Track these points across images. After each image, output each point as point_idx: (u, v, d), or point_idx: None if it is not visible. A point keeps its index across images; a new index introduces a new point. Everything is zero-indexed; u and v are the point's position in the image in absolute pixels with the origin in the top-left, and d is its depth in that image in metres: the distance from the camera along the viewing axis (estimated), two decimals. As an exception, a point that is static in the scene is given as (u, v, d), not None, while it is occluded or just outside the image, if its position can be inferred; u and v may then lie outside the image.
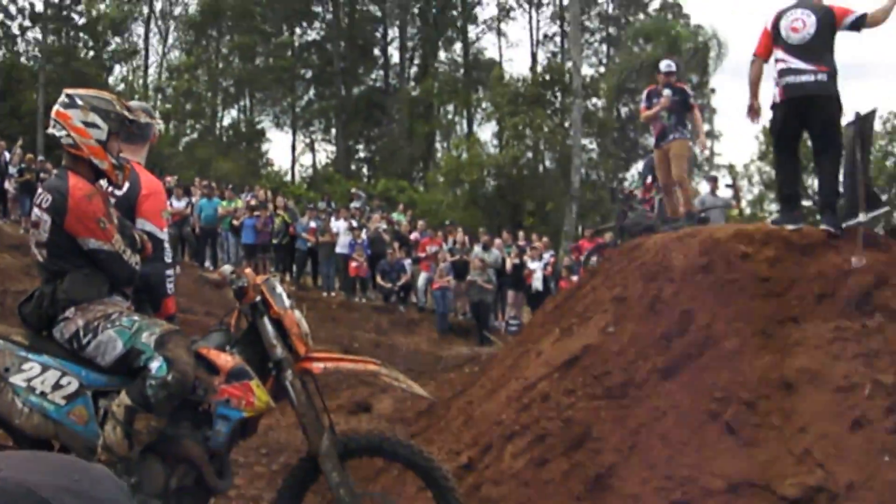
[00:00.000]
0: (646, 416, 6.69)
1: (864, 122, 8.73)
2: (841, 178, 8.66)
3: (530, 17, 55.01)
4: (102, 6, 47.70)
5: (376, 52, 57.04)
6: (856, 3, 8.54)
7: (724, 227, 9.40)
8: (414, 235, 26.37)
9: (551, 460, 6.72)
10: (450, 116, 54.28)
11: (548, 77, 46.35)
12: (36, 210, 4.84)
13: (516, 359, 9.24)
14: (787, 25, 8.39)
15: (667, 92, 12.18)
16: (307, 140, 56.61)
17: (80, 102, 4.91)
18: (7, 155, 26.60)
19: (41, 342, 4.89)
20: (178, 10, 51.41)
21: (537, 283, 23.27)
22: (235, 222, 24.27)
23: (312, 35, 55.94)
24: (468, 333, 22.76)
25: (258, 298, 5.13)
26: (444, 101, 52.10)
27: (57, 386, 4.72)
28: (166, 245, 5.44)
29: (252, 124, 53.48)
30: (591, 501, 6.37)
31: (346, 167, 52.13)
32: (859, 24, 8.43)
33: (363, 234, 24.24)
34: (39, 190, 4.95)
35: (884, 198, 9.10)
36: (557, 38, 54.73)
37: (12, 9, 46.47)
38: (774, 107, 8.55)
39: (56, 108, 4.91)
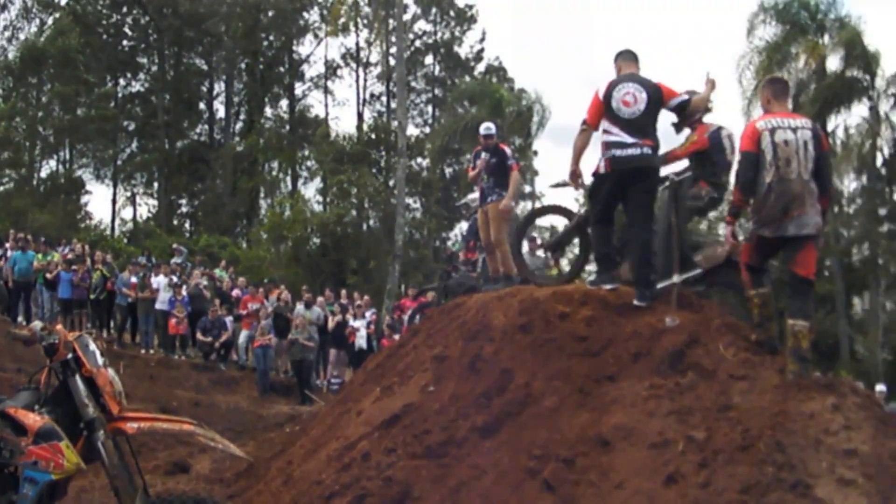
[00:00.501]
0: (466, 474, 6.72)
1: (678, 185, 9.03)
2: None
3: (357, 76, 55.47)
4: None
5: (202, 105, 56.63)
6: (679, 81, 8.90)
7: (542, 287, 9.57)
8: (235, 292, 26.07)
9: (371, 520, 6.68)
10: (274, 173, 53.96)
11: (373, 136, 46.75)
12: None
13: (337, 418, 9.22)
14: (618, 98, 8.60)
15: (484, 155, 12.40)
16: (128, 193, 55.56)
17: None
18: None
19: None
20: (-4, 55, 49.98)
21: (361, 341, 23.28)
22: (49, 276, 23.53)
23: (137, 86, 55.20)
24: (289, 392, 22.57)
25: (70, 356, 4.98)
26: (269, 158, 51.83)
27: None
28: (-25, 299, 5.22)
29: (71, 176, 52.11)
30: (411, 562, 6.36)
31: (168, 222, 51.32)
32: (683, 107, 8.76)
33: (184, 291, 23.83)
34: None
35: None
36: (384, 98, 55.24)
37: None
38: (598, 176, 8.73)
39: None
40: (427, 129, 53.98)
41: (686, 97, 8.74)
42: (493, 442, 6.98)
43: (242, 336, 23.83)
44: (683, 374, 7.01)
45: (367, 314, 24.42)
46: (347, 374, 22.80)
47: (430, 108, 56.93)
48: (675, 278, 8.40)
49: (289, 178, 53.84)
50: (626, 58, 9.05)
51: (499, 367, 7.68)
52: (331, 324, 23.81)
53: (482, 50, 55.98)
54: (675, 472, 6.05)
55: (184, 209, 56.00)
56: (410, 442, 7.26)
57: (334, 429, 8.89)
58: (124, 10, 53.27)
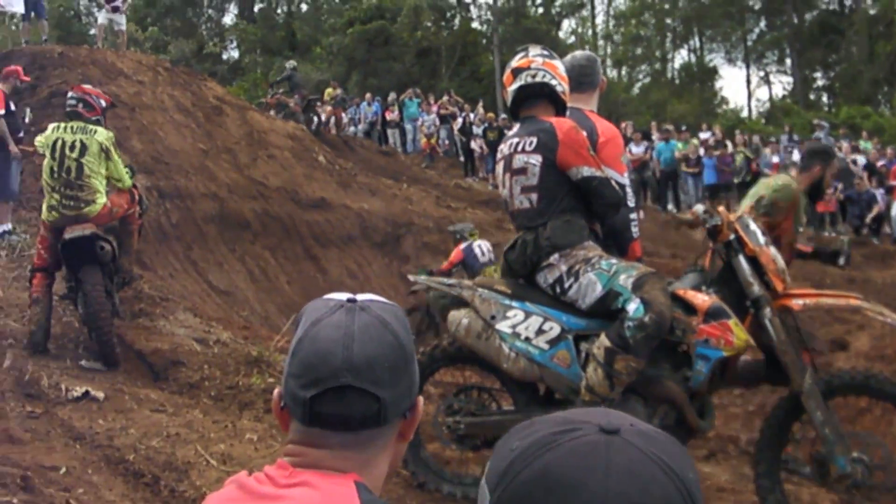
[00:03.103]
0: None
1: None
2: None
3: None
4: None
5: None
6: None
7: None
8: (882, 163, 24.88)
9: None
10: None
11: None
12: (520, 157, 5.03)
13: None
14: None
15: None
16: (761, 73, 55.33)
17: (554, 54, 5.15)
18: (472, 116, 28.04)
19: (521, 290, 5.15)
20: (620, -41, 51.72)
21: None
22: (688, 170, 24.14)
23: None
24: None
25: (732, 236, 5.06)
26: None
27: (540, 331, 4.94)
28: (628, 189, 5.46)
29: (703, 62, 52.86)
30: None
31: (805, 97, 50.32)
32: None
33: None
34: (513, 140, 5.12)
35: None
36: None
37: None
38: None
39: (540, 59, 5.13)
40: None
41: None
42: None
43: (895, 208, 22.80)
44: None
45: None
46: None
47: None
48: None
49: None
50: None
51: None
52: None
53: None
54: None
55: (819, 82, 54.57)
56: None
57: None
58: None
